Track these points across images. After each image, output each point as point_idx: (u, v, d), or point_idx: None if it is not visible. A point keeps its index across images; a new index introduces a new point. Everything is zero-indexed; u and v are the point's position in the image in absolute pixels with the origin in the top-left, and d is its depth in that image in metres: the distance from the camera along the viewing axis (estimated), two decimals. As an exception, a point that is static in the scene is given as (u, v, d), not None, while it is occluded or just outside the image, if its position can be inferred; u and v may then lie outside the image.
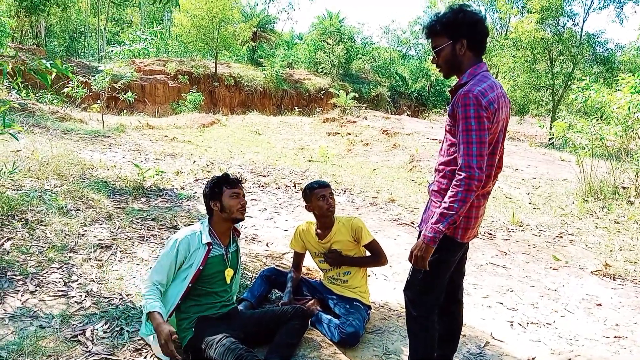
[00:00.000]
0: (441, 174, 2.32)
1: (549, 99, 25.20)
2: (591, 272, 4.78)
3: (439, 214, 2.14)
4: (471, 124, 2.10)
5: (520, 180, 9.62)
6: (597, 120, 8.31)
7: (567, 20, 24.67)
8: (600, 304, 4.06)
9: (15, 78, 4.22)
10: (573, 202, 7.64)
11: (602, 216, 6.87)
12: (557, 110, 23.55)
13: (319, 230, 3.35)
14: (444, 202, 2.14)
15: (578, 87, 8.45)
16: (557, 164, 11.88)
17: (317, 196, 3.21)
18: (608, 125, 7.95)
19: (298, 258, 3.53)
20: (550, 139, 16.15)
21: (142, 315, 2.90)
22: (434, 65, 2.37)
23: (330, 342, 3.02)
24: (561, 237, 5.95)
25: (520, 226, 6.28)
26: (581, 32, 24.78)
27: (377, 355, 2.97)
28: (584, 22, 24.84)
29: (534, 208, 7.46)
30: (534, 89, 24.84)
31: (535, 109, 26.12)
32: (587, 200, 7.57)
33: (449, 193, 2.14)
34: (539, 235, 5.96)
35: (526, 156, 12.78)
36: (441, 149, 2.38)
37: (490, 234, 5.85)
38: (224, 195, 2.85)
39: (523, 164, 11.49)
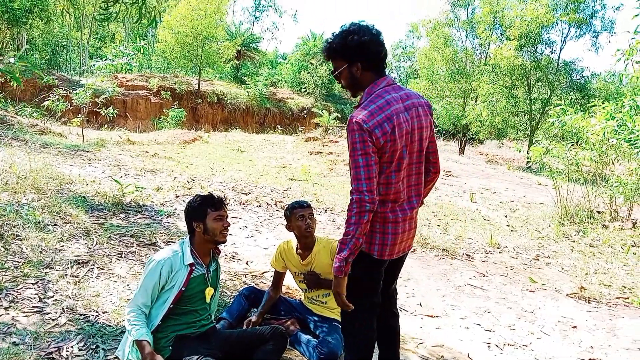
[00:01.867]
0: None
1: (527, 124, 25.70)
2: (567, 295, 4.86)
3: (340, 242, 2.18)
4: (357, 149, 2.14)
5: (498, 203, 9.77)
6: (572, 145, 8.51)
7: (545, 48, 25.30)
8: (575, 326, 4.12)
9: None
10: (549, 226, 7.78)
11: (577, 240, 7.00)
12: (535, 135, 24.01)
13: (300, 251, 3.36)
14: (343, 230, 2.18)
15: (556, 112, 8.66)
16: (534, 187, 12.10)
17: (297, 216, 3.21)
18: (583, 151, 8.15)
19: (278, 277, 3.51)
20: (527, 163, 16.45)
21: (120, 334, 2.87)
22: (340, 85, 2.42)
23: (306, 362, 3.01)
24: (538, 259, 6.04)
25: (497, 248, 6.36)
26: (558, 59, 25.39)
27: (356, 376, 2.96)
28: (561, 49, 25.43)
29: (512, 230, 7.57)
30: (513, 114, 25.32)
31: (513, 133, 26.60)
32: (563, 224, 7.71)
33: (345, 219, 2.18)
34: (516, 258, 6.04)
35: (504, 179, 12.99)
36: None
37: (469, 255, 5.91)
38: (208, 218, 2.81)
39: (501, 186, 11.68)
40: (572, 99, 21.94)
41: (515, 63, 23.18)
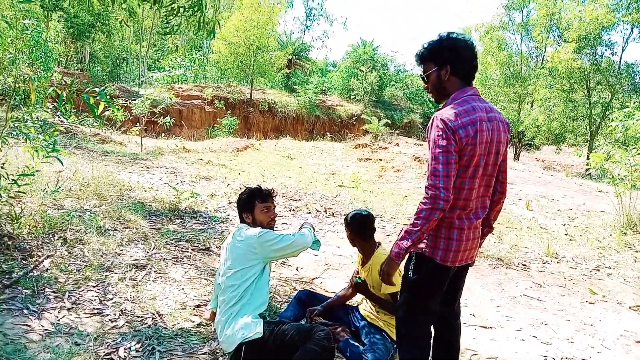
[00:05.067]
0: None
1: (586, 129, 24.67)
2: (630, 308, 4.62)
3: (404, 231, 2.22)
4: (439, 145, 2.16)
5: (556, 211, 9.42)
6: (636, 150, 8.10)
7: (605, 50, 24.23)
8: (639, 341, 3.91)
9: (64, 102, 4.45)
10: (611, 235, 7.43)
11: (641, 250, 6.65)
12: (595, 140, 23.04)
13: (361, 255, 3.38)
14: (410, 220, 2.21)
15: (621, 114, 8.29)
16: (594, 195, 11.60)
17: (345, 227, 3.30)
18: (648, 157, 7.75)
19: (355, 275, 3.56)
20: (587, 169, 15.80)
21: (175, 337, 2.98)
22: (426, 90, 2.47)
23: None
24: (598, 270, 5.78)
25: (555, 258, 6.13)
26: (620, 61, 24.26)
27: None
28: (622, 51, 24.36)
29: (570, 239, 7.27)
30: (571, 118, 24.37)
31: (572, 138, 25.59)
32: (625, 233, 7.35)
33: (416, 210, 2.20)
34: (575, 268, 5.80)
35: (562, 186, 12.52)
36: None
37: (525, 265, 5.73)
38: (255, 209, 3.02)
39: (559, 194, 11.26)
40: (635, 102, 20.94)
41: (574, 66, 22.32)
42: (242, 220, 3.10)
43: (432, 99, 2.49)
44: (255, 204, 3.03)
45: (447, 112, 2.20)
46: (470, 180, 2.27)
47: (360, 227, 3.24)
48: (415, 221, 2.18)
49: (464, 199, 2.28)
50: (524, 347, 3.70)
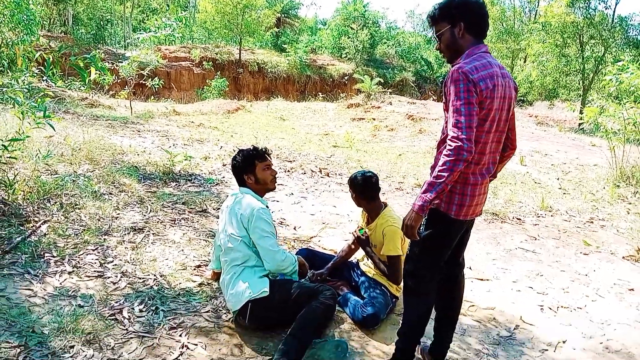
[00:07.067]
0: (439, 149, 2.38)
1: (579, 84, 24.55)
2: (623, 258, 4.71)
3: (428, 184, 2.19)
4: (460, 97, 2.15)
5: (550, 166, 9.48)
6: (630, 104, 8.08)
7: (599, 3, 23.88)
8: (632, 289, 4.00)
9: (52, 67, 4.36)
10: (604, 188, 7.50)
11: (634, 202, 6.73)
12: (588, 95, 22.97)
13: (367, 214, 3.40)
14: (434, 172, 2.20)
15: (615, 68, 8.23)
16: (587, 149, 11.66)
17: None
18: (642, 110, 7.75)
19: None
20: (580, 124, 15.82)
21: (177, 296, 3.02)
22: (439, 51, 2.46)
23: (351, 322, 3.08)
24: (592, 222, 5.86)
25: (549, 211, 6.19)
26: (613, 15, 24.00)
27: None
28: (616, 4, 24.05)
29: (564, 193, 7.34)
30: (564, 73, 24.21)
31: (565, 93, 25.49)
32: (618, 186, 7.42)
33: (439, 163, 2.18)
34: (569, 221, 5.87)
35: (555, 141, 12.57)
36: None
37: (519, 219, 5.79)
38: (257, 169, 3.03)
39: (552, 148, 11.31)
40: (628, 56, 20.76)
41: (567, 20, 22.04)
42: (242, 184, 3.08)
43: (445, 59, 2.45)
44: (255, 164, 3.04)
45: (467, 66, 2.19)
46: (485, 134, 2.28)
47: (363, 189, 3.26)
48: (439, 173, 2.16)
49: (479, 152, 2.29)
50: (520, 297, 3.77)
